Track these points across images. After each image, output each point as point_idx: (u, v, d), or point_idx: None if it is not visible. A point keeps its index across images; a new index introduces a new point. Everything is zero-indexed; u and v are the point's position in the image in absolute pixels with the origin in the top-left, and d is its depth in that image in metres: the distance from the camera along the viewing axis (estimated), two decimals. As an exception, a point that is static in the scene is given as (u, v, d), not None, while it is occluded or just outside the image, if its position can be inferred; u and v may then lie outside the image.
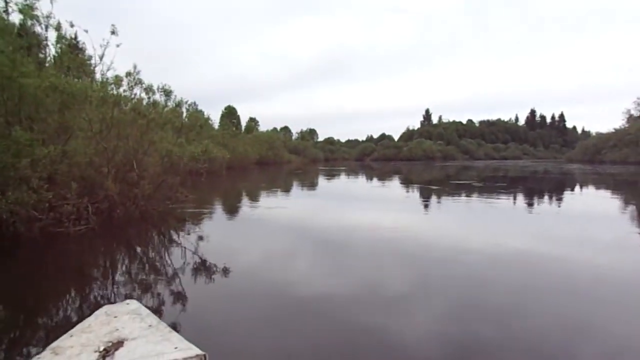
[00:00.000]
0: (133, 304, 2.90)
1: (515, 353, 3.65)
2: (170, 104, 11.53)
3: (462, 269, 6.15)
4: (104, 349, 2.10)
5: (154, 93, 11.13)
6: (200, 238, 8.60)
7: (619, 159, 56.43)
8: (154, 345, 2.16)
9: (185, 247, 7.62)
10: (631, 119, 70.02)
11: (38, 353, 2.15)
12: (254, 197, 17.58)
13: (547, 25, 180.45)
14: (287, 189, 21.79)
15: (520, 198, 16.84)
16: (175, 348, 2.13)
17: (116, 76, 10.61)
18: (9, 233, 7.31)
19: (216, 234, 9.20)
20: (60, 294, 5.48)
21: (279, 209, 13.28)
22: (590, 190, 21.31)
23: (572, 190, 21.36)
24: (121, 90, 10.57)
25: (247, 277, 5.84)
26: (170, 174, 11.21)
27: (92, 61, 11.11)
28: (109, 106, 9.63)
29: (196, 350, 2.13)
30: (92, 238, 8.28)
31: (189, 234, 9.19)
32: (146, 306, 3.07)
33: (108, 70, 10.98)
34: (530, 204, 14.80)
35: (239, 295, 5.12)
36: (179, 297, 4.93)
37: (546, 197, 17.52)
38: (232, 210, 13.99)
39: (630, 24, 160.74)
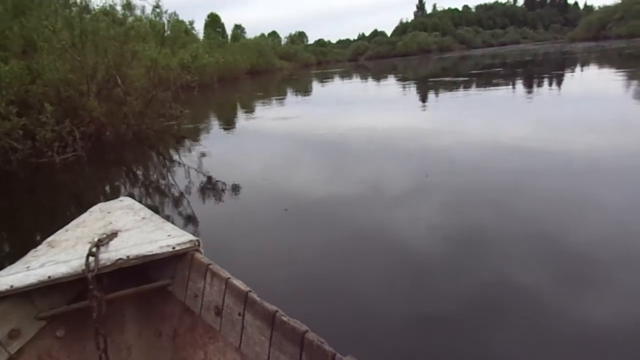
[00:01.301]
0: (126, 200, 2.86)
1: (514, 234, 3.71)
2: (149, 11, 10.03)
3: (461, 161, 6.14)
4: (98, 240, 2.09)
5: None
6: (202, 155, 7.95)
7: (626, 33, 53.75)
8: (148, 234, 2.18)
9: (187, 166, 7.05)
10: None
11: (35, 247, 2.18)
12: (250, 108, 16.63)
13: None
14: (282, 97, 20.90)
15: (519, 85, 16.14)
16: (169, 235, 2.14)
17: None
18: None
19: (218, 150, 8.50)
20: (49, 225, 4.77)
21: (278, 119, 12.52)
22: (592, 69, 20.42)
23: (573, 71, 20.44)
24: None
25: (253, 189, 5.57)
26: (160, 88, 10.09)
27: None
28: (75, 12, 8.24)
29: (189, 236, 2.11)
30: (82, 166, 7.50)
31: (190, 151, 8.49)
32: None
33: None
34: (528, 91, 14.27)
35: (246, 207, 4.93)
36: (190, 219, 4.64)
37: (546, 82, 16.73)
38: (230, 123, 13.07)
39: None
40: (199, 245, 2.11)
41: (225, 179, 6.06)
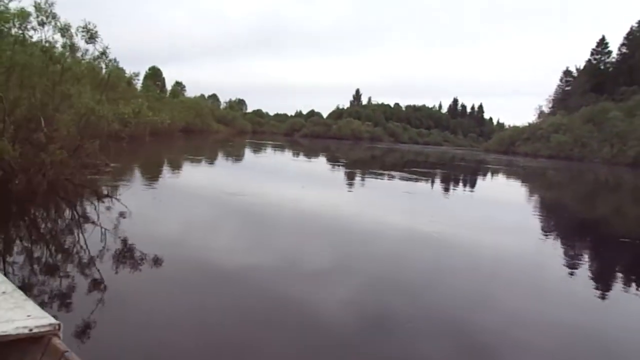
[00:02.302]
0: None
1: (425, 321, 3.99)
2: (91, 53, 9.19)
3: (379, 246, 6.50)
4: None
5: (71, 36, 8.75)
6: (121, 215, 7.19)
7: (531, 152, 60.40)
8: (5, 312, 2.05)
9: (100, 227, 6.30)
10: (542, 114, 75.70)
11: None
12: (181, 169, 16.29)
13: (472, 19, 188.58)
14: (215, 161, 21.15)
15: (438, 183, 18.22)
16: (28, 316, 2.03)
17: (21, 9, 8.15)
18: None
19: (139, 210, 7.75)
20: None
21: (209, 184, 12.57)
22: (502, 179, 23.15)
23: (485, 178, 23.16)
24: (28, 27, 8.16)
25: (164, 258, 5.05)
26: (88, 137, 9.05)
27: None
28: (8, 42, 7.28)
29: (50, 319, 2.03)
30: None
31: (108, 209, 7.61)
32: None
33: (9, 1, 8.35)
34: (445, 189, 16.04)
35: (162, 277, 4.59)
36: (95, 284, 4.19)
37: (462, 183, 18.83)
38: (157, 182, 12.26)
39: (545, 27, 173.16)
40: (59, 329, 2.01)
41: (138, 245, 5.51)
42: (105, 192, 8.80)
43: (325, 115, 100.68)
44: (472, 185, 18.48)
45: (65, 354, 1.84)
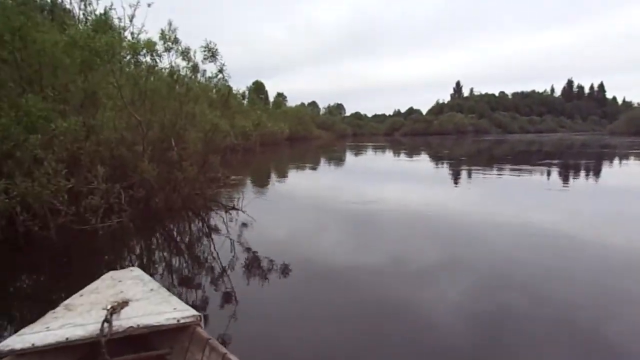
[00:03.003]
0: (136, 270, 3.03)
1: (543, 326, 3.62)
2: (209, 71, 9.63)
3: (491, 245, 6.15)
4: (111, 307, 2.22)
5: (190, 59, 9.23)
6: (244, 225, 7.50)
7: (671, 131, 52.38)
8: (155, 306, 2.30)
9: (230, 238, 6.59)
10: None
11: (53, 309, 2.30)
12: (292, 176, 16.48)
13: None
14: (321, 166, 21.20)
15: (555, 174, 15.83)
16: (174, 308, 2.26)
17: (148, 40, 8.77)
18: (19, 232, 5.68)
19: (261, 220, 7.86)
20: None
21: (319, 189, 12.65)
22: (631, 166, 19.68)
23: (614, 165, 19.81)
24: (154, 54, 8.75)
25: (301, 267, 5.20)
26: (212, 152, 9.48)
27: (122, 23, 9.21)
28: (142, 71, 7.84)
29: (192, 311, 2.24)
30: (125, 233, 6.70)
31: (233, 221, 7.88)
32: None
33: (139, 34, 9.07)
34: (565, 180, 14.20)
35: (291, 290, 4.54)
36: (226, 286, 4.58)
37: (584, 173, 16.28)
38: (274, 192, 12.48)
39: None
40: (200, 320, 2.24)
41: (261, 250, 5.83)
42: (231, 204, 9.11)
43: (424, 112, 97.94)
44: (597, 175, 16.05)
45: (209, 341, 2.03)
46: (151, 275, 4.74)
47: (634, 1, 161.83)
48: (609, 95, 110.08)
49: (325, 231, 7.45)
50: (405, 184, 13.94)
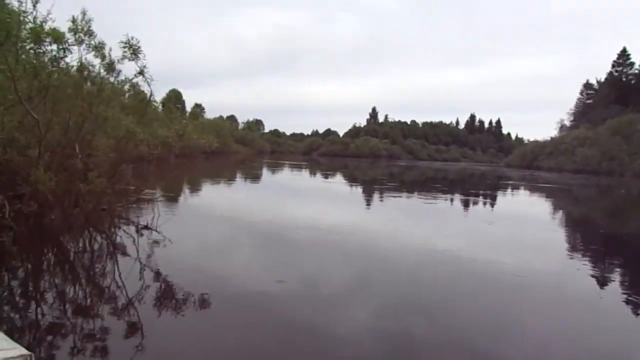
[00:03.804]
0: None
1: (443, 346, 3.80)
2: (126, 73, 8.52)
3: (398, 266, 6.44)
4: None
5: (104, 56, 8.09)
6: (162, 247, 6.70)
7: (555, 166, 58.65)
8: None
9: (139, 260, 5.81)
10: (564, 128, 74.03)
11: None
12: (208, 192, 16.19)
13: (488, 36, 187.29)
14: (238, 182, 21.04)
15: (458, 200, 17.69)
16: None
17: (53, 29, 7.53)
18: None
19: (176, 240, 7.11)
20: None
21: (235, 207, 12.22)
22: (526, 195, 22.62)
23: (508, 193, 22.29)
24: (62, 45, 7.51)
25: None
26: (123, 162, 8.36)
27: (23, 7, 7.75)
28: (44, 62, 6.63)
29: (21, 350, 1.98)
30: (5, 258, 5.43)
31: (149, 243, 6.91)
32: None
33: (43, 22, 7.71)
34: (466, 206, 15.52)
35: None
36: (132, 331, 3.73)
37: (482, 200, 18.16)
38: (190, 208, 11.66)
39: (563, 41, 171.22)
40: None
41: (174, 279, 5.10)
42: (144, 223, 8.03)
43: (341, 133, 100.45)
44: (494, 201, 17.82)
45: None
46: (37, 306, 4.09)
47: (523, 53, 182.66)
48: (504, 131, 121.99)
49: (241, 254, 7.06)
50: (322, 204, 14.12)
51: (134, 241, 7.14)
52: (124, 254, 6.35)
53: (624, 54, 67.06)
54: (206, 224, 9.34)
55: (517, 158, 73.50)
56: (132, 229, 7.85)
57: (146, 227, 7.84)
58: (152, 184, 12.87)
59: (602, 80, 70.27)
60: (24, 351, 1.97)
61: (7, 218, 5.56)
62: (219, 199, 13.62)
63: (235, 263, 6.52)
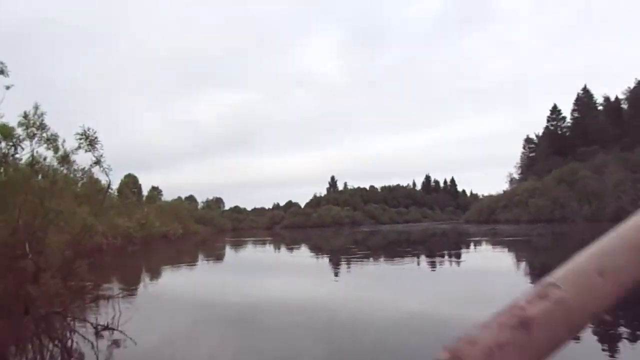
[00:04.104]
0: None
1: None
2: (80, 163, 8.22)
3: (369, 336, 6.49)
4: None
5: (57, 148, 7.79)
6: (124, 349, 6.26)
7: (512, 218, 60.66)
8: None
9: None
10: (514, 181, 77.67)
11: None
12: (170, 280, 15.21)
13: (433, 103, 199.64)
14: (206, 267, 20.24)
15: (422, 261, 17.99)
16: None
17: (2, 125, 7.26)
18: None
19: (145, 342, 6.54)
20: None
21: (201, 293, 11.63)
22: (487, 249, 23.14)
23: (470, 249, 22.90)
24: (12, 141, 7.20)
25: None
26: (77, 257, 7.77)
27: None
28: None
29: None
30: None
31: (110, 345, 6.45)
32: None
33: None
34: (431, 266, 15.97)
35: None
36: None
37: (446, 258, 18.87)
38: (152, 301, 10.80)
39: (503, 100, 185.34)
40: None
41: None
42: (103, 323, 7.31)
43: (303, 204, 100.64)
44: (457, 258, 18.43)
45: None
46: None
47: (467, 114, 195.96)
48: (459, 188, 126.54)
49: (208, 346, 6.62)
50: (288, 278, 14.17)
51: (92, 346, 6.47)
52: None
53: (555, 110, 72.86)
54: (171, 317, 8.73)
55: (474, 213, 75.61)
56: (90, 331, 7.12)
57: (106, 328, 7.12)
58: (110, 278, 12.00)
59: (540, 134, 75.41)
60: None
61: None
62: (183, 287, 12.89)
63: (203, 357, 6.12)
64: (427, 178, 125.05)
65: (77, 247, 7.16)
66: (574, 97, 70.49)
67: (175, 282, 14.49)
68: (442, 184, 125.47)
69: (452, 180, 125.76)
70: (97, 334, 6.98)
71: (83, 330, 7.20)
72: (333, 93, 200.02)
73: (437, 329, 6.58)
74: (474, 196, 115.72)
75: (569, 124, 71.29)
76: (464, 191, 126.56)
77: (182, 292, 11.94)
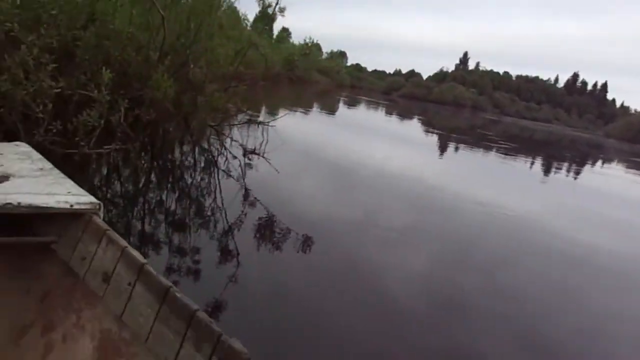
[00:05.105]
0: (23, 146, 2.50)
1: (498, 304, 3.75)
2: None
3: (461, 218, 6.32)
4: None
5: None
6: (267, 175, 6.27)
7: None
8: (45, 186, 1.91)
9: (249, 189, 5.47)
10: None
11: None
12: (301, 121, 15.80)
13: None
14: (331, 111, 21.96)
15: (538, 164, 16.61)
16: (69, 192, 1.90)
17: None
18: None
19: (287, 173, 6.66)
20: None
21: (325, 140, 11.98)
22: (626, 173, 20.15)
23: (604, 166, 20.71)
24: None
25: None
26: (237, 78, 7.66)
27: None
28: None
29: (91, 198, 1.91)
30: (119, 167, 5.10)
31: (254, 169, 6.59)
32: None
33: None
34: (546, 171, 14.73)
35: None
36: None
37: (566, 168, 17.06)
38: (293, 140, 10.89)
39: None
40: (99, 209, 1.90)
41: (275, 209, 4.87)
42: (251, 147, 7.42)
43: (424, 76, 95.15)
44: (579, 173, 16.27)
45: (107, 232, 1.72)
46: (150, 219, 3.98)
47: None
48: (609, 97, 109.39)
49: (339, 198, 6.57)
50: (399, 151, 13.54)
51: (239, 164, 6.63)
52: (229, 176, 5.91)
53: None
54: (310, 160, 8.83)
55: (621, 128, 65.78)
56: (239, 151, 7.31)
57: (253, 152, 7.24)
58: (255, 107, 12.38)
59: None
60: (94, 199, 1.88)
61: (123, 123, 5.05)
62: (322, 134, 13.22)
63: (335, 206, 6.05)
64: (575, 76, 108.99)
65: (237, 66, 6.94)
66: None
67: (314, 126, 15.20)
68: (590, 87, 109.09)
69: (604, 85, 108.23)
70: (245, 155, 7.13)
71: (233, 149, 7.43)
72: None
73: (525, 239, 6.02)
74: (624, 109, 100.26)
75: None
76: (613, 100, 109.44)
77: (322, 140, 12.13)
